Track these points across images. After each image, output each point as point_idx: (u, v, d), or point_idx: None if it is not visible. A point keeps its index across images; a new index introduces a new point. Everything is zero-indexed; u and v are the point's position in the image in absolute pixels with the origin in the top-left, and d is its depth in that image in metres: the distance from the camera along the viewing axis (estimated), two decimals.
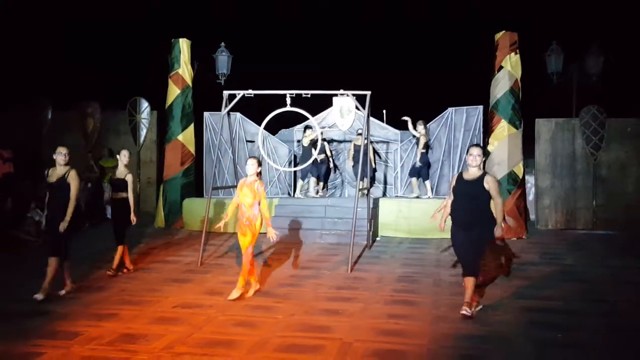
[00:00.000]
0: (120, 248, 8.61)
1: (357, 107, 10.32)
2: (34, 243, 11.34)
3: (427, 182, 13.08)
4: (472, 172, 6.58)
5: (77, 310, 6.67)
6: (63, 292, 7.38)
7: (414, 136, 13.29)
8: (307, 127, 13.27)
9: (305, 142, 13.30)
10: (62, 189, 7.26)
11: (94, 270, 8.69)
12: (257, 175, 7.38)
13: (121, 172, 8.71)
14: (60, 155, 7.34)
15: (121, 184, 8.62)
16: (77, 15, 16.42)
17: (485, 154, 12.81)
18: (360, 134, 13.30)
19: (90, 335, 5.69)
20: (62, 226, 7.14)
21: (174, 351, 5.27)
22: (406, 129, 13.47)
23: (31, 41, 15.92)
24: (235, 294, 7.14)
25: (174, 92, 14.05)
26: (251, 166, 7.36)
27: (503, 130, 12.79)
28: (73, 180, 7.29)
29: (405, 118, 13.18)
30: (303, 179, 13.74)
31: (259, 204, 7.30)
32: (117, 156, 8.90)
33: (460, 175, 6.73)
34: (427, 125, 13.33)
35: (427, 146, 13.14)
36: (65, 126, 16.25)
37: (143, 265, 9.29)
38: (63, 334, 5.75)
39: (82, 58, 16.69)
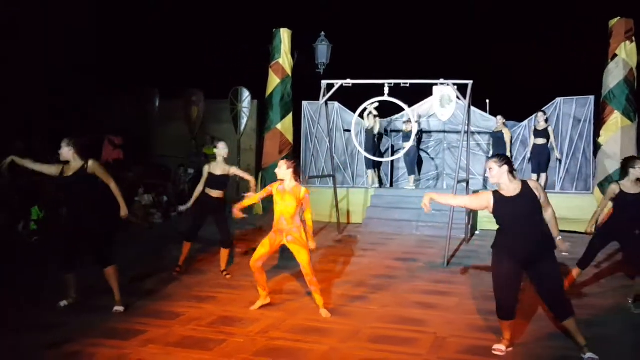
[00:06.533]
0: (226, 251, 7.80)
1: (458, 97, 10.03)
2: (141, 226, 11.92)
3: (543, 175, 12.33)
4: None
5: (180, 291, 6.95)
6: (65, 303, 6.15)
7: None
8: (375, 116, 13.17)
9: (375, 129, 13.24)
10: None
11: (197, 254, 8.94)
12: (294, 176, 6.08)
13: (222, 166, 7.68)
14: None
15: (225, 181, 7.72)
16: (183, 7, 17.06)
17: (597, 146, 12.23)
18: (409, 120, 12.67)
19: (191, 316, 5.90)
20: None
21: (268, 335, 5.37)
22: (510, 119, 13.02)
23: (140, 32, 16.68)
24: (325, 312, 6.02)
25: (274, 81, 14.24)
26: (279, 169, 6.10)
27: (616, 122, 12.04)
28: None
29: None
30: (369, 168, 13.69)
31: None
32: (215, 149, 7.75)
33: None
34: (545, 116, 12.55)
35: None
36: (171, 114, 17.00)
37: (242, 250, 9.51)
38: (165, 313, 6.00)
39: (188, 48, 17.32)
